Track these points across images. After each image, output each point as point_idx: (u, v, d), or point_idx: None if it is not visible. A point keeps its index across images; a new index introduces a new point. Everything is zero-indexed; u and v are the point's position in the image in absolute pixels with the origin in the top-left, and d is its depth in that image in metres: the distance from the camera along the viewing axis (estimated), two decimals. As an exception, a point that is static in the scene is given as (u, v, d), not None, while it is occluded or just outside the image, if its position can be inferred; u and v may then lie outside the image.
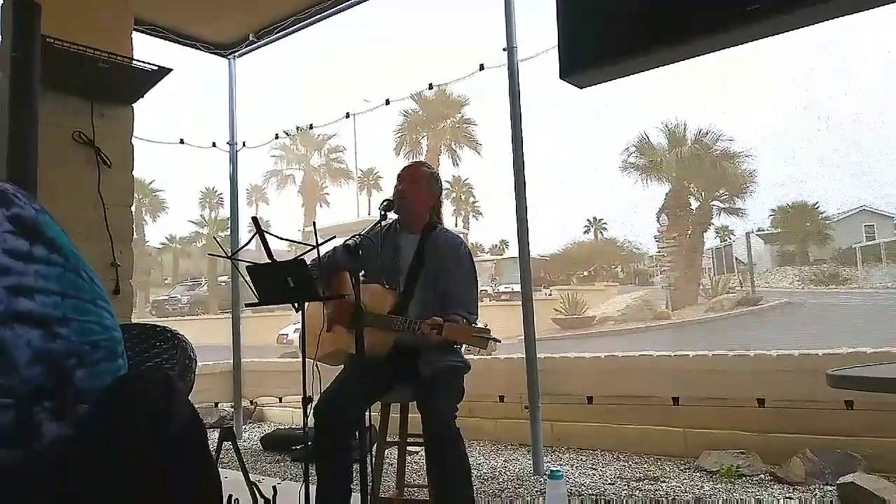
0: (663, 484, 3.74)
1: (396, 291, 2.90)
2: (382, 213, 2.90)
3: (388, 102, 5.46)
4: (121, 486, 0.61)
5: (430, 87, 5.36)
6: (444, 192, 3.25)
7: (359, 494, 2.45)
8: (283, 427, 6.00)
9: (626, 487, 3.72)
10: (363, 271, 2.66)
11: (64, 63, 3.13)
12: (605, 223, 39.51)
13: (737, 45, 1.22)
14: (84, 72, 3.27)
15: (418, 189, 2.99)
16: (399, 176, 3.04)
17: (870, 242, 29.47)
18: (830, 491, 3.36)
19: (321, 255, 2.83)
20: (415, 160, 3.22)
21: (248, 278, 2.66)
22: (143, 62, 3.47)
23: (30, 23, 2.64)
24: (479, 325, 2.73)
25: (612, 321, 23.90)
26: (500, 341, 2.71)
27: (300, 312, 2.74)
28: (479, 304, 3.01)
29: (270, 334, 15.86)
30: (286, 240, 3.18)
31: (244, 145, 5.86)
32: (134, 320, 3.73)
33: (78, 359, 0.61)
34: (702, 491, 3.57)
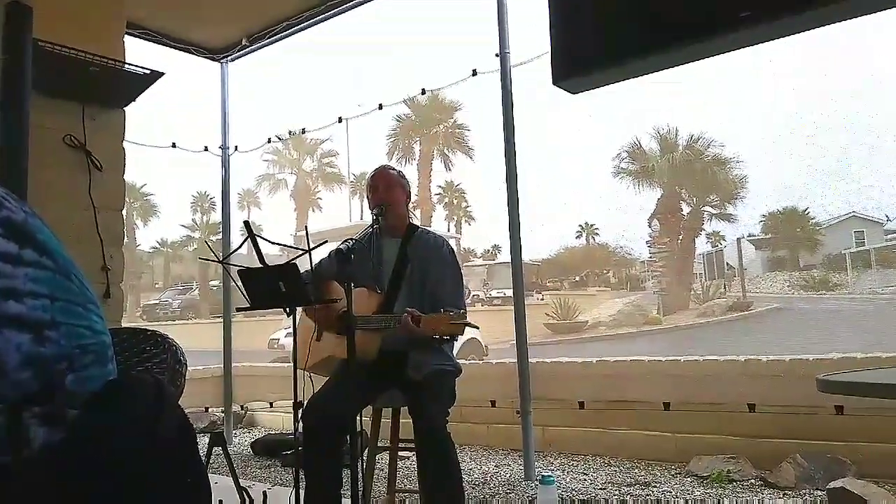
0: (654, 489, 3.74)
1: (381, 294, 2.90)
2: (375, 217, 2.91)
3: (380, 107, 5.47)
4: (110, 492, 0.61)
5: (423, 92, 5.37)
6: (436, 196, 3.28)
7: (349, 500, 2.44)
8: (273, 432, 5.98)
9: (616, 492, 3.72)
10: (353, 276, 2.65)
11: (55, 66, 3.11)
12: (597, 228, 39.66)
13: (728, 51, 1.23)
14: (75, 75, 3.25)
15: (396, 193, 3.02)
16: (373, 185, 3.03)
17: (859, 248, 29.70)
18: (820, 496, 3.37)
19: (313, 264, 2.83)
20: (380, 165, 3.24)
21: (239, 283, 2.66)
22: (134, 66, 3.46)
23: (21, 26, 2.64)
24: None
25: (603, 326, 23.95)
26: (478, 327, 2.71)
27: (292, 317, 2.74)
28: (472, 308, 3.03)
29: (262, 339, 15.81)
30: (278, 244, 3.18)
31: (236, 149, 5.85)
32: (124, 324, 3.72)
33: (68, 363, 0.60)
34: (692, 496, 3.57)
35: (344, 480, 2.58)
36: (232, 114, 5.84)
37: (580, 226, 39.63)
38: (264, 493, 3.20)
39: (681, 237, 27.21)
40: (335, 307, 2.80)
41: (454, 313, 2.60)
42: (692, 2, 1.14)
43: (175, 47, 5.17)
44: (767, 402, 4.00)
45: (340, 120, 5.99)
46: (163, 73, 3.50)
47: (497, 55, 4.21)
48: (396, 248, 2.98)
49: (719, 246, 33.45)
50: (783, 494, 3.50)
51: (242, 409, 6.59)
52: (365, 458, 2.89)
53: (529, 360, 4.21)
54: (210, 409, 6.35)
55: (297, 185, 42.01)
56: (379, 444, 3.06)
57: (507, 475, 4.24)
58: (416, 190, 31.06)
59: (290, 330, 2.82)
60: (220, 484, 3.12)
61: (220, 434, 3.04)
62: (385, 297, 2.89)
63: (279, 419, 6.33)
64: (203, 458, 2.91)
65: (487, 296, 27.38)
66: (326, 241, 3.01)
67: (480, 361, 8.02)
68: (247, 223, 2.73)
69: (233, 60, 5.61)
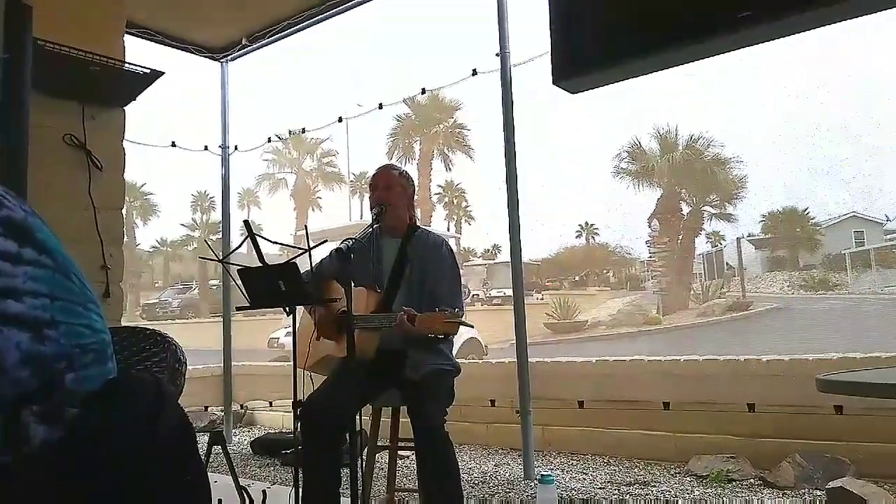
0: (653, 488, 3.74)
1: (379, 293, 2.90)
2: (374, 216, 2.91)
3: (380, 107, 5.47)
4: (109, 491, 0.61)
5: (423, 91, 5.37)
6: (435, 196, 3.27)
7: (349, 499, 2.44)
8: (273, 431, 5.99)
9: (616, 492, 3.72)
10: (352, 276, 2.65)
11: (55, 65, 3.11)
12: (597, 228, 39.59)
13: (728, 51, 1.23)
14: (75, 74, 3.25)
15: (394, 194, 2.99)
16: (373, 185, 3.03)
17: (859, 248, 29.68)
18: (820, 495, 3.37)
19: (313, 263, 2.83)
20: (383, 164, 3.22)
21: (239, 282, 2.66)
22: (134, 65, 3.46)
23: (21, 25, 2.63)
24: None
25: (603, 326, 23.96)
26: (472, 326, 2.71)
27: (291, 316, 2.74)
28: (472, 308, 3.02)
29: (262, 338, 15.81)
30: (278, 243, 3.18)
31: (236, 149, 5.86)
32: (124, 323, 3.71)
33: (67, 362, 0.60)
34: (692, 495, 3.57)
35: (343, 480, 2.58)
36: (232, 113, 5.85)
37: (580, 225, 39.62)
38: (264, 492, 3.20)
39: (680, 237, 27.20)
40: (335, 306, 2.80)
41: (449, 312, 2.60)
42: (692, 2, 1.14)
43: (175, 47, 5.17)
44: (767, 401, 4.00)
45: (340, 119, 6.00)
46: (163, 73, 3.50)
47: (497, 55, 4.21)
48: (396, 248, 2.98)
49: (719, 246, 33.44)
50: (782, 494, 3.50)
51: (242, 408, 6.59)
52: (364, 457, 2.89)
53: (529, 359, 4.21)
54: (209, 408, 6.35)
55: (297, 185, 41.98)
56: (378, 444, 3.06)
57: (507, 474, 4.24)
58: (416, 190, 31.04)
59: (290, 329, 2.82)
60: (220, 483, 3.12)
61: (220, 433, 3.04)
62: (384, 297, 2.89)
63: (279, 418, 6.33)
64: (203, 457, 2.91)
65: (487, 295, 27.38)
66: (326, 241, 3.01)
67: (480, 361, 8.02)
68: (246, 222, 2.73)
69: (233, 60, 5.61)
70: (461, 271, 3.17)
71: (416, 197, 3.19)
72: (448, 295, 2.84)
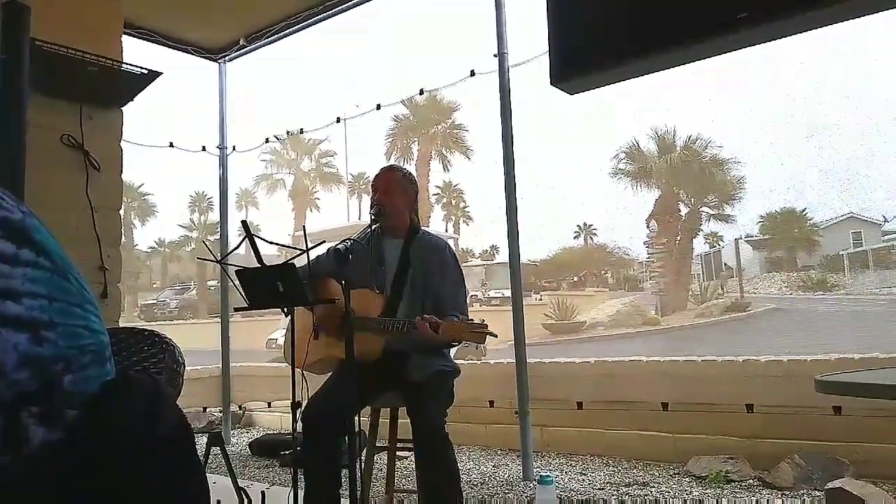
0: (652, 489, 3.74)
1: (384, 295, 2.89)
2: (373, 218, 2.90)
3: (378, 107, 5.47)
4: (108, 492, 0.60)
5: (422, 92, 5.36)
6: (434, 197, 3.26)
7: (348, 500, 2.44)
8: (271, 432, 5.98)
9: (615, 493, 3.72)
10: (350, 277, 2.65)
11: (53, 66, 3.11)
12: (595, 229, 39.62)
13: (726, 52, 1.23)
14: (73, 75, 3.25)
15: (394, 196, 2.97)
16: (374, 186, 3.02)
17: (857, 249, 29.74)
18: (818, 496, 3.37)
19: (310, 260, 2.82)
20: (386, 165, 3.19)
21: (237, 283, 2.65)
22: (132, 65, 3.46)
23: (19, 25, 2.63)
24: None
25: (601, 326, 23.94)
26: (496, 335, 2.72)
27: (289, 317, 2.74)
28: (470, 309, 3.02)
29: (260, 339, 15.80)
30: (276, 244, 3.17)
31: (234, 149, 5.85)
32: (122, 324, 3.71)
33: (65, 363, 0.60)
34: (691, 496, 3.57)
35: (343, 481, 2.58)
36: (230, 114, 5.84)
37: (578, 226, 39.64)
38: (263, 493, 3.20)
39: (679, 238, 27.21)
40: (337, 306, 2.79)
41: (471, 320, 2.61)
42: (691, 2, 1.14)
43: (173, 47, 5.16)
44: (765, 402, 4.00)
45: (338, 120, 5.99)
46: (160, 73, 3.50)
47: (495, 55, 4.21)
48: (398, 250, 2.97)
49: (717, 246, 33.47)
50: (781, 495, 3.50)
51: (240, 409, 6.59)
52: (363, 458, 2.89)
53: (528, 360, 4.21)
54: (208, 410, 6.35)
55: (295, 185, 41.98)
56: (378, 445, 3.06)
57: (506, 475, 4.24)
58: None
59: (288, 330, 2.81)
60: (219, 484, 3.11)
61: (219, 434, 3.03)
62: (388, 299, 2.88)
63: (277, 419, 6.33)
64: (201, 459, 2.91)
65: (486, 296, 27.37)
66: (324, 241, 3.00)
67: (479, 362, 8.00)
68: (244, 223, 2.72)
69: (231, 60, 5.61)
70: (463, 274, 3.18)
71: (417, 195, 3.17)
72: (451, 298, 2.84)
